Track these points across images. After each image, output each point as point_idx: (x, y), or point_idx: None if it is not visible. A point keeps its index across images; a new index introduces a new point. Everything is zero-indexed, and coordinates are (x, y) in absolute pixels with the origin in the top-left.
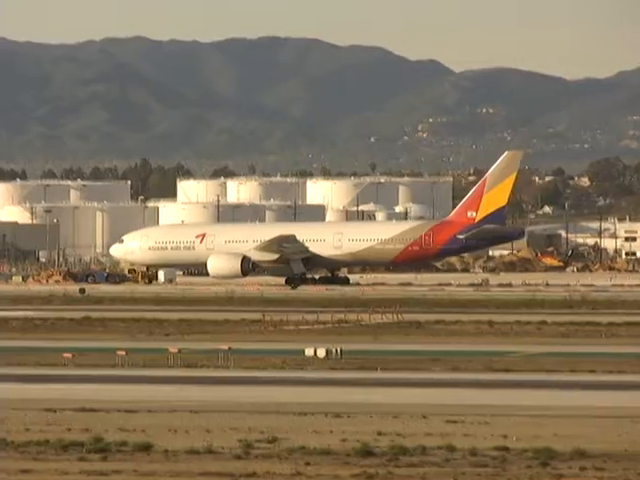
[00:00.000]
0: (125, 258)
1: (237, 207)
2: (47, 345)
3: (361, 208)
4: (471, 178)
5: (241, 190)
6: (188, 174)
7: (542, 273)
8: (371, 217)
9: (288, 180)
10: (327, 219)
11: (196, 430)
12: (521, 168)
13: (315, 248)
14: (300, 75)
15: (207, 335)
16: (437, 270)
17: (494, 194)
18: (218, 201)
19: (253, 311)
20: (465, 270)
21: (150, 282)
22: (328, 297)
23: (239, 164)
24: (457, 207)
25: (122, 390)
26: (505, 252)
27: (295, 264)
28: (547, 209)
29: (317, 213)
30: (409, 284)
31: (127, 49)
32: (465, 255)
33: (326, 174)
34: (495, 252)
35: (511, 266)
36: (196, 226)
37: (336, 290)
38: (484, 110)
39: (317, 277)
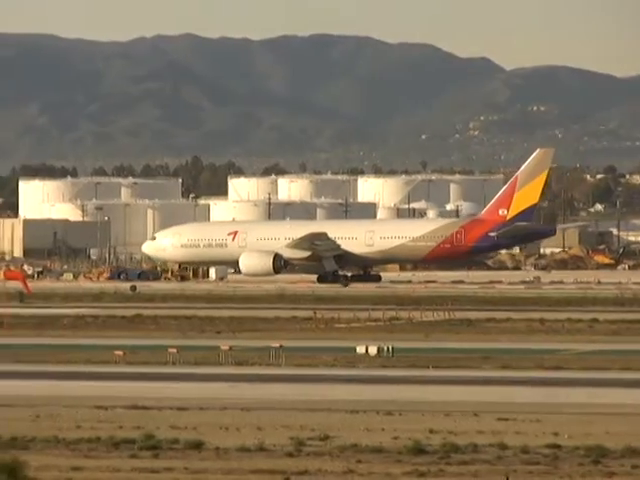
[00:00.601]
0: (157, 255)
1: (288, 205)
2: (98, 343)
3: (412, 206)
4: None
5: (292, 188)
6: (239, 172)
7: (593, 271)
8: (422, 215)
9: (339, 178)
10: (378, 217)
11: (247, 428)
12: (572, 166)
13: (347, 246)
14: (351, 73)
15: (258, 332)
16: (488, 268)
17: (525, 192)
18: (269, 199)
19: (304, 308)
20: (516, 268)
21: (183, 280)
22: (380, 295)
23: (290, 162)
24: (488, 205)
25: (173, 388)
26: (557, 250)
27: (327, 261)
28: (599, 207)
29: (368, 211)
30: (460, 282)
31: (178, 46)
32: (516, 252)
33: (377, 172)
34: (546, 250)
35: (562, 264)
36: (228, 224)
37: (388, 288)
38: (535, 108)
39: (349, 275)
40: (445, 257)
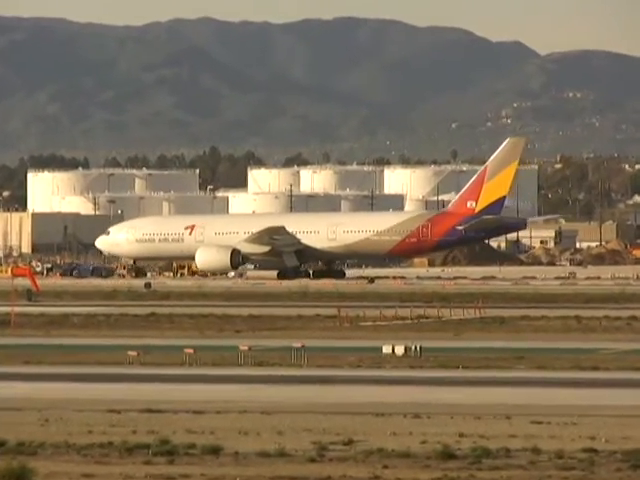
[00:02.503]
0: (111, 251)
1: (311, 197)
2: (110, 343)
3: (441, 198)
4: (557, 166)
5: (315, 179)
6: (259, 162)
7: (632, 266)
8: None
9: (365, 169)
10: (405, 209)
11: (267, 432)
12: (610, 156)
13: (308, 240)
14: (377, 58)
15: (279, 332)
16: (521, 263)
17: (495, 184)
18: (291, 191)
19: (328, 306)
20: (551, 263)
21: (137, 276)
22: (407, 291)
23: (313, 152)
24: (456, 197)
25: (190, 390)
26: (593, 244)
27: (287, 257)
28: (637, 198)
29: (395, 203)
30: (492, 278)
31: (195, 31)
32: (551, 247)
33: (405, 162)
34: (583, 244)
35: (599, 259)
36: (185, 217)
37: (415, 284)
38: (571, 94)
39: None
40: (411, 251)
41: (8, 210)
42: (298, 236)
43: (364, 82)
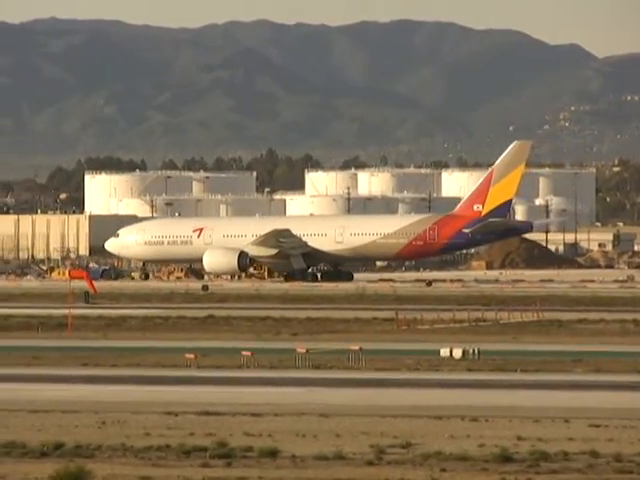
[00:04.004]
0: (120, 253)
1: (368, 200)
2: (168, 345)
3: None
4: (615, 169)
5: (373, 182)
6: (317, 165)
7: None
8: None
9: (422, 171)
10: None
11: (325, 434)
12: None
13: (316, 243)
14: (434, 60)
15: (337, 334)
16: (579, 266)
17: (501, 187)
18: (348, 193)
19: (385, 309)
20: (609, 266)
21: (147, 278)
22: (465, 294)
23: (370, 154)
24: (463, 200)
25: (247, 393)
26: None
27: (295, 259)
28: None
29: (453, 206)
30: (550, 281)
31: (251, 33)
32: (609, 250)
33: (462, 165)
34: None
35: None
36: (194, 220)
37: (473, 287)
38: (629, 97)
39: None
40: (418, 254)
41: (65, 212)
42: (306, 239)
43: (421, 85)
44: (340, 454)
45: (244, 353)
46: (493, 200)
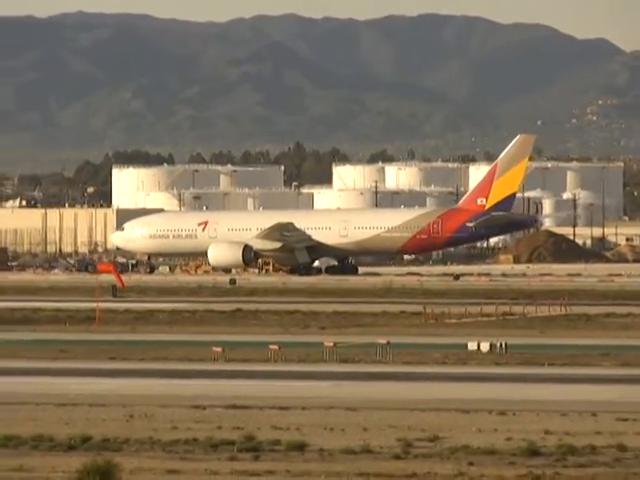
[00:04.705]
0: (125, 247)
1: (396, 194)
2: (195, 339)
3: (527, 195)
4: None
5: (400, 176)
6: (344, 159)
7: None
8: (537, 204)
9: (450, 165)
10: None
11: (353, 428)
12: None
13: (320, 236)
14: (462, 54)
15: (364, 328)
16: (607, 260)
17: (505, 180)
18: (376, 187)
19: (413, 303)
20: (637, 260)
21: (152, 272)
22: (492, 288)
23: (398, 148)
24: (467, 194)
25: (275, 386)
26: None
27: (299, 253)
28: None
29: None
30: (578, 275)
31: (279, 27)
32: (637, 245)
33: (490, 159)
34: None
35: None
36: (199, 214)
37: (500, 281)
38: None
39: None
40: (422, 248)
41: (93, 206)
42: (310, 232)
43: (449, 79)
44: (367, 448)
45: (271, 347)
46: (497, 194)
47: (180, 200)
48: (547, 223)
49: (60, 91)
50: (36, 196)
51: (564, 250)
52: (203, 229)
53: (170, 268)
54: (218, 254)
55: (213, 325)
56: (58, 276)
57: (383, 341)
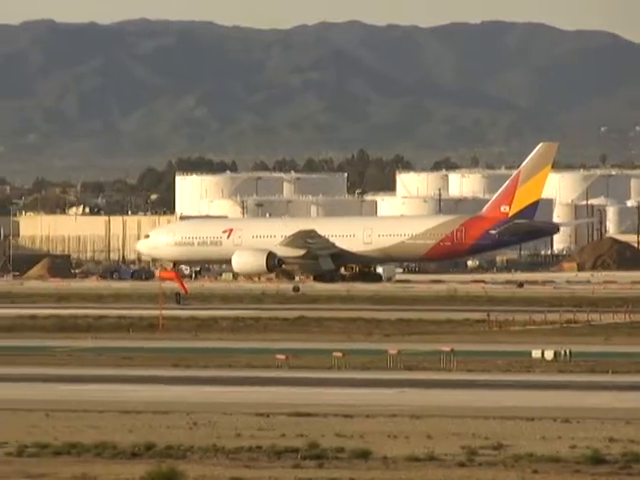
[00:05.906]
0: (150, 254)
1: (460, 201)
2: (259, 346)
3: (591, 202)
4: None
5: (464, 183)
6: (408, 166)
7: None
8: (601, 212)
9: (513, 172)
10: (554, 214)
11: (417, 436)
12: None
13: (344, 244)
14: (524, 61)
15: (428, 336)
16: None
17: (528, 188)
18: (440, 195)
19: (477, 310)
20: None
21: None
22: (557, 296)
23: (461, 156)
24: (490, 201)
25: (339, 394)
26: None
27: (323, 260)
28: None
29: (544, 207)
30: None
31: (342, 35)
32: None
33: (553, 166)
34: None
35: None
36: (223, 221)
37: (564, 288)
38: None
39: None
40: (445, 255)
41: (156, 213)
42: (334, 240)
43: (512, 86)
44: (431, 455)
45: (335, 354)
46: (520, 201)
47: (243, 207)
48: (611, 230)
49: (123, 98)
50: (99, 203)
51: (628, 258)
52: (228, 236)
53: (233, 275)
54: (242, 261)
55: (276, 332)
56: (121, 283)
57: (447, 349)
